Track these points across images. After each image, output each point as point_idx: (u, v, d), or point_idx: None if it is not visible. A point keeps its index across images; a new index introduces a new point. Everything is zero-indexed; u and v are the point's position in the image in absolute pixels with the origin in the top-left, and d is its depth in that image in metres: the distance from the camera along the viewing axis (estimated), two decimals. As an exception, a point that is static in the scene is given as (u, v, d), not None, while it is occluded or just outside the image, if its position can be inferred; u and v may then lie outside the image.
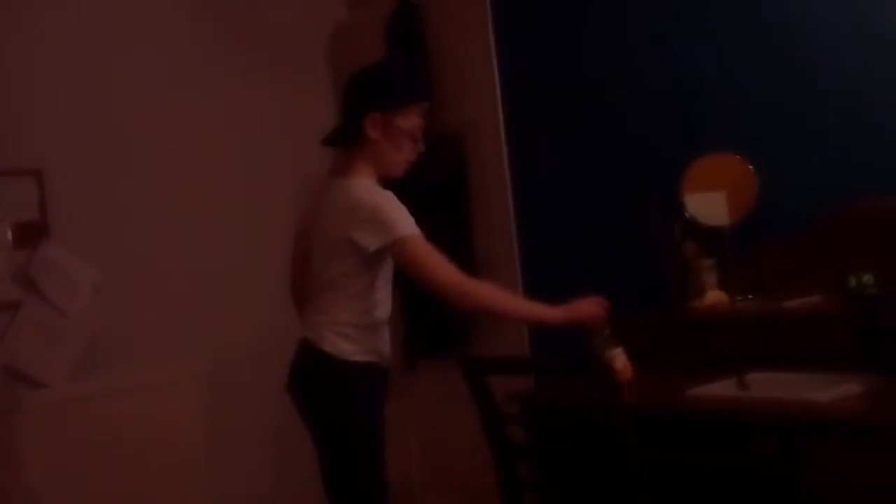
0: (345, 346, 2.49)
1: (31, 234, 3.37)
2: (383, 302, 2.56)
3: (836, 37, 2.77)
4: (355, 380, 2.49)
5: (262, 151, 3.91)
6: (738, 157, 2.91)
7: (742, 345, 2.68)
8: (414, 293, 2.52)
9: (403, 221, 2.44)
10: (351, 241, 2.44)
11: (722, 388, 2.41)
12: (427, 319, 2.71)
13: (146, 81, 3.67)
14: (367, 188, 2.50)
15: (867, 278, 2.50)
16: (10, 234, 3.32)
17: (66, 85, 3.48)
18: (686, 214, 2.96)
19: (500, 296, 2.53)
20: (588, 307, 2.58)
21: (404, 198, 2.50)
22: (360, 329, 2.49)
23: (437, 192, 3.71)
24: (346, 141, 2.58)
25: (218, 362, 3.68)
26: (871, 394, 2.18)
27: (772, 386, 2.36)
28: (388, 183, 2.61)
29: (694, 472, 2.45)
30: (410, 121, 2.55)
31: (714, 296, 2.84)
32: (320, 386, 2.51)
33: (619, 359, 2.66)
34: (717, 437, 2.40)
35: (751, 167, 2.88)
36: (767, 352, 2.61)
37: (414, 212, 2.51)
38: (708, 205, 2.90)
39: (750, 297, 2.81)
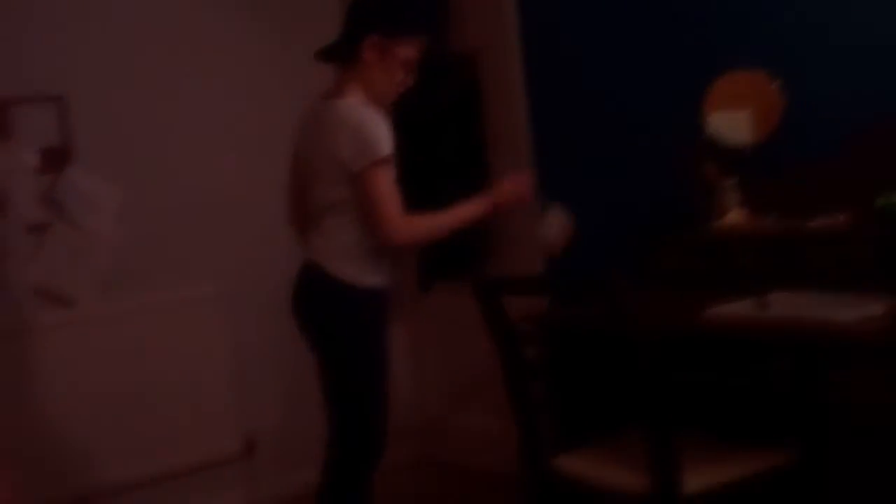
0: (349, 269, 2.51)
1: (55, 158, 3.43)
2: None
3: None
4: (359, 302, 2.52)
5: (277, 75, 3.89)
6: (763, 73, 2.82)
7: (763, 264, 2.64)
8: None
9: (384, 143, 2.44)
10: (340, 163, 2.45)
11: (741, 308, 2.37)
12: (442, 241, 2.73)
13: (167, 6, 3.66)
14: (355, 107, 2.49)
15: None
16: (36, 160, 3.38)
17: (87, 11, 3.48)
18: (708, 133, 2.90)
19: (433, 221, 2.54)
20: (511, 187, 2.60)
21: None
22: (364, 252, 2.50)
23: (450, 112, 3.66)
24: (341, 58, 2.57)
25: (237, 284, 3.75)
26: (894, 314, 2.13)
27: (792, 306, 2.32)
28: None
29: (711, 392, 2.44)
30: (409, 51, 2.54)
31: (735, 215, 2.80)
32: (324, 308, 2.54)
33: (557, 221, 2.64)
34: (736, 358, 2.38)
35: (776, 84, 2.80)
36: (789, 272, 2.57)
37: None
38: (731, 123, 2.83)
39: (772, 216, 2.76)
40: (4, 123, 3.33)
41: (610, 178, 3.32)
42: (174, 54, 3.67)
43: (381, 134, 2.44)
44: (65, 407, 3.39)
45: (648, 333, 2.15)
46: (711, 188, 2.83)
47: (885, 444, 2.01)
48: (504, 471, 3.54)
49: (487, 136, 3.71)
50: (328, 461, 2.60)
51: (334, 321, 2.53)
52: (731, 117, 2.82)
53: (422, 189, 3.09)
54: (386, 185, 2.44)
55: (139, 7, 3.60)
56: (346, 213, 2.50)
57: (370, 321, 2.54)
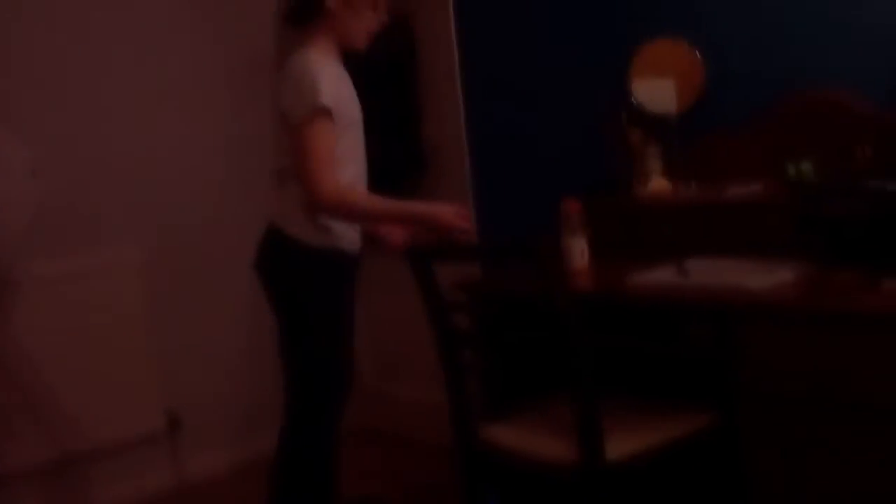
0: (310, 230, 2.43)
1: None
2: (353, 182, 2.48)
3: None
4: (318, 265, 2.46)
5: (207, 29, 3.78)
6: (684, 42, 2.87)
7: (684, 231, 2.71)
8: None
9: (323, 93, 2.33)
10: (284, 116, 2.39)
11: (662, 275, 2.44)
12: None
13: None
14: (305, 56, 2.42)
15: (806, 167, 2.53)
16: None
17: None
18: (633, 100, 2.95)
19: (366, 200, 2.47)
20: (449, 217, 2.51)
21: (355, 78, 2.47)
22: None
23: (385, 73, 3.64)
24: (305, 16, 2.49)
25: (158, 246, 3.63)
26: (804, 281, 2.22)
27: (710, 272, 2.39)
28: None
29: (635, 358, 2.51)
30: None
31: (658, 183, 2.86)
32: (282, 269, 2.48)
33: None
34: (659, 323, 2.46)
35: (697, 53, 2.86)
36: (709, 239, 2.65)
37: (361, 93, 2.47)
38: (655, 91, 2.88)
39: (693, 184, 2.83)
40: None
41: (539, 143, 3.35)
42: (93, 6, 3.50)
43: (320, 83, 2.33)
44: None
45: (576, 298, 2.19)
46: (636, 155, 2.89)
47: (796, 410, 2.08)
48: (440, 441, 3.53)
49: (422, 98, 3.70)
50: (282, 427, 2.56)
51: (291, 283, 2.46)
52: (656, 85, 2.87)
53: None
54: (317, 139, 2.33)
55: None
56: None
57: (329, 285, 2.47)
